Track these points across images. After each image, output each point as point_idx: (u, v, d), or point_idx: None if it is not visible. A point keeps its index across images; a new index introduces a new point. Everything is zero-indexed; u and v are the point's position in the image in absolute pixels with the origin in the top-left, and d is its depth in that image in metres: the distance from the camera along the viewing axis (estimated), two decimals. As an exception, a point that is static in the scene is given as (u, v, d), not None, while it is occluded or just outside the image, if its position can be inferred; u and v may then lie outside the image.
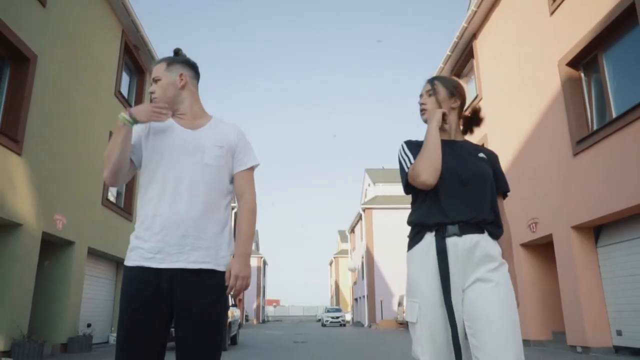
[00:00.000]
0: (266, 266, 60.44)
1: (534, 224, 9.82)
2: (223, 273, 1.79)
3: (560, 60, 8.85)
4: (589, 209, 7.99)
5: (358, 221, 35.92)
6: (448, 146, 1.91)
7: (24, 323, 7.91)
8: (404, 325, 23.61)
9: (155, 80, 1.92)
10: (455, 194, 1.82)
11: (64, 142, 9.38)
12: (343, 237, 56.46)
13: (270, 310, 75.91)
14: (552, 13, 9.09)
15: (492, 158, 1.99)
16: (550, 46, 9.23)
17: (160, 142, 1.86)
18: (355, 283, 39.00)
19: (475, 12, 12.09)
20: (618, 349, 7.83)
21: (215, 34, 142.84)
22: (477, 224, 1.80)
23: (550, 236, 9.32)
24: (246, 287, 1.80)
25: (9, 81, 7.96)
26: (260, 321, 53.14)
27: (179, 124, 1.91)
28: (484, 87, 12.45)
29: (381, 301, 29.76)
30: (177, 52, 2.02)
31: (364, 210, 31.92)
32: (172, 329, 1.78)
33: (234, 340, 11.84)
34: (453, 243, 1.78)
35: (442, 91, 1.99)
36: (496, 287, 1.71)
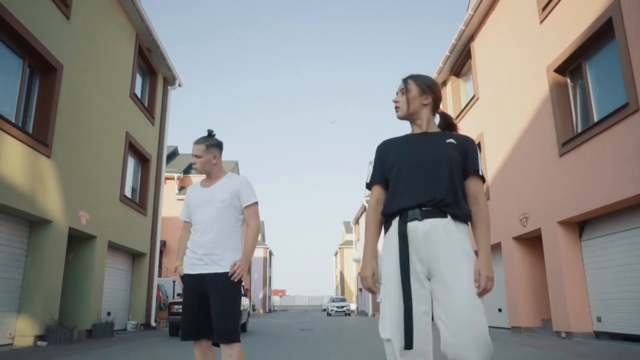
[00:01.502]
0: (272, 257, 61.34)
1: (524, 219, 10.47)
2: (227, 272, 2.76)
3: (548, 66, 9.44)
4: (574, 206, 8.63)
5: (362, 212, 36.59)
6: (417, 138, 2.03)
7: (55, 310, 8.68)
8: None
9: (197, 156, 2.88)
10: (413, 178, 1.91)
11: (86, 144, 10.09)
12: (348, 228, 57.19)
13: (276, 300, 76.94)
14: (542, 21, 9.67)
15: (463, 142, 2.00)
16: (540, 52, 9.82)
17: (194, 202, 2.94)
18: (359, 273, 39.74)
19: (473, 15, 12.65)
20: (598, 334, 8.51)
21: (219, 26, 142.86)
22: (436, 206, 1.84)
23: (539, 230, 9.97)
24: (242, 274, 2.71)
25: (39, 90, 8.67)
26: (267, 311, 54.11)
27: (202, 185, 2.97)
28: (481, 87, 13.04)
29: (385, 291, 30.50)
30: (210, 133, 2.95)
31: (367, 202, 32.57)
32: None
33: (243, 328, 12.57)
34: (413, 227, 1.85)
35: (413, 89, 2.06)
36: (451, 292, 1.76)
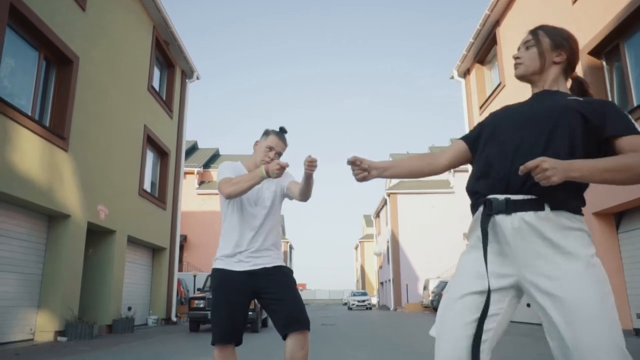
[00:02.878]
0: (292, 250, 61.37)
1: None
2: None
3: (582, 48, 8.94)
4: (610, 196, 8.15)
5: (383, 206, 36.19)
6: (532, 98, 1.68)
7: (75, 306, 8.60)
8: (430, 308, 23.97)
9: (279, 154, 2.68)
10: (506, 143, 1.52)
11: (103, 137, 9.97)
12: (368, 221, 56.81)
13: (297, 294, 77.09)
14: (575, 1, 9.16)
15: (592, 103, 1.51)
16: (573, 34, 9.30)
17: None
18: (380, 267, 39.44)
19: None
20: (639, 332, 8.05)
21: (237, 17, 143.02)
22: (528, 189, 1.42)
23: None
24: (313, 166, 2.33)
25: (55, 83, 8.54)
26: (288, 304, 54.11)
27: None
28: (507, 74, 12.53)
29: (407, 285, 30.12)
30: (283, 129, 2.75)
31: (388, 195, 32.16)
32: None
33: (264, 323, 12.41)
34: (498, 223, 1.45)
35: (545, 42, 1.64)
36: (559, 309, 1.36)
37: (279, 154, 2.67)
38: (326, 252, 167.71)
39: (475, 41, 13.83)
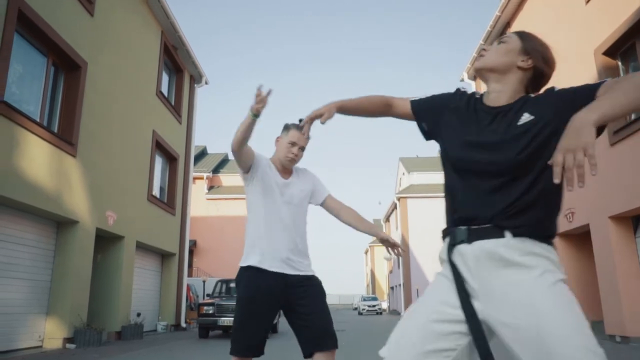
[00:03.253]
0: (302, 255, 61.13)
1: (570, 214, 9.79)
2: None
3: (596, 49, 8.76)
4: (627, 199, 7.95)
5: (393, 210, 35.96)
6: (486, 116, 1.46)
7: (83, 312, 8.54)
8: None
9: (302, 148, 2.56)
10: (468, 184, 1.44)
11: (111, 142, 9.94)
12: (378, 226, 56.49)
13: (306, 298, 76.93)
14: (588, 2, 8.98)
15: (549, 103, 1.37)
16: (586, 35, 9.13)
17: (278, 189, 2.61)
18: (391, 272, 39.16)
19: (509, 0, 11.97)
20: (658, 339, 7.82)
21: (242, 20, 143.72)
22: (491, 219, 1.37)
23: (587, 226, 9.29)
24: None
25: (63, 88, 8.53)
26: (297, 309, 53.98)
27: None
28: (519, 75, 12.35)
29: (417, 290, 29.84)
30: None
31: (398, 199, 31.94)
32: None
33: (274, 329, 12.29)
34: (462, 252, 1.41)
35: (513, 43, 1.50)
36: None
37: (302, 148, 2.55)
38: (336, 257, 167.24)
39: (485, 43, 13.66)
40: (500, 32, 13.21)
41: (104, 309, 9.94)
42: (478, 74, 1.54)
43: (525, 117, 1.37)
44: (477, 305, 1.34)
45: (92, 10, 9.03)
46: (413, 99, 1.67)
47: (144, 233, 11.48)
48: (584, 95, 1.32)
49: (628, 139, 7.93)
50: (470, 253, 1.35)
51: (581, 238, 10.15)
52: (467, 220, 1.40)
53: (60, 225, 8.49)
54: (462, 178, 1.45)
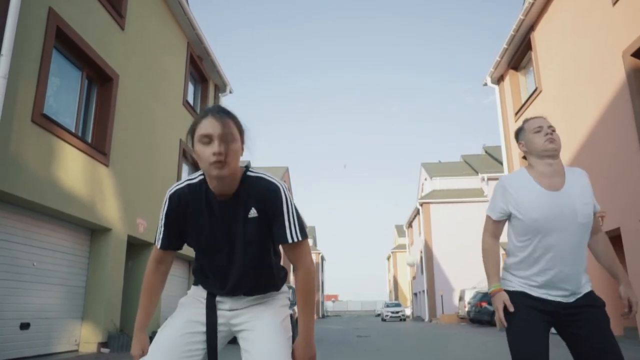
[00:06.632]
0: (324, 262, 61.23)
1: (601, 217, 9.64)
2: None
3: (624, 50, 8.67)
4: (659, 202, 7.82)
5: (415, 216, 35.77)
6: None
7: (116, 318, 8.77)
8: (466, 319, 23.44)
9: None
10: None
11: (141, 151, 10.21)
12: (400, 232, 56.22)
13: (329, 305, 76.81)
14: (615, 3, 8.90)
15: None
16: (613, 37, 9.04)
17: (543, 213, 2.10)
18: (414, 278, 38.88)
19: (533, 3, 11.92)
20: (694, 345, 7.64)
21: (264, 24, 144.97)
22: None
23: (618, 230, 9.16)
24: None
25: (97, 100, 8.82)
26: (320, 316, 53.99)
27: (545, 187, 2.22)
28: (544, 79, 12.26)
29: (441, 296, 29.58)
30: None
31: (421, 204, 31.78)
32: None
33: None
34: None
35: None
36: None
37: (551, 127, 2.10)
38: (358, 263, 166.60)
39: (509, 47, 13.60)
40: (523, 36, 13.14)
41: (135, 315, 10.13)
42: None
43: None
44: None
45: (123, 24, 9.33)
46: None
47: (172, 240, 11.68)
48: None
49: (659, 142, 7.81)
50: None
51: (612, 242, 9.97)
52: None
53: (94, 232, 8.76)
54: None
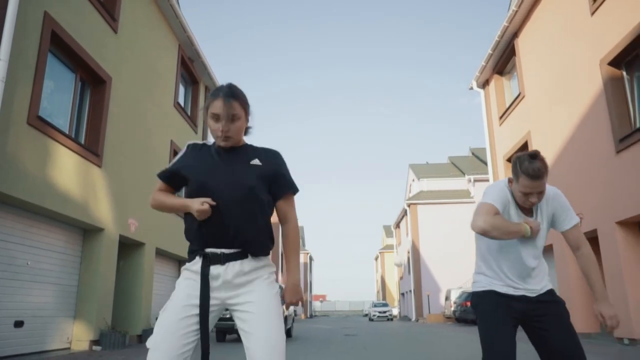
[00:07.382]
0: (312, 262, 61.44)
1: (579, 220, 10.01)
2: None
3: (601, 59, 9.03)
4: (634, 205, 8.18)
5: (403, 216, 36.15)
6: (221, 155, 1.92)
7: (108, 316, 8.92)
8: (452, 319, 23.83)
9: (541, 193, 2.11)
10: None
11: (133, 152, 10.36)
12: (388, 232, 56.66)
13: (317, 305, 76.99)
14: (593, 13, 9.26)
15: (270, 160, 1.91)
16: (591, 46, 9.40)
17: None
18: (401, 278, 39.27)
19: (516, 11, 12.28)
20: (665, 341, 8.01)
21: (250, 26, 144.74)
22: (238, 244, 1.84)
23: (594, 231, 9.52)
24: None
25: (90, 102, 8.96)
26: (308, 316, 54.16)
27: None
28: (527, 84, 12.62)
29: (428, 296, 29.96)
30: (534, 155, 2.12)
31: (408, 205, 32.15)
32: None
33: (288, 334, 12.58)
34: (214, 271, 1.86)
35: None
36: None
37: (541, 193, 2.09)
38: (346, 264, 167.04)
39: (493, 52, 13.96)
40: (508, 42, 13.50)
41: (127, 313, 10.31)
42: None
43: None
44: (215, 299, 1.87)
45: (116, 27, 9.48)
46: None
47: (162, 240, 11.87)
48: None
49: (633, 147, 8.17)
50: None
51: (589, 243, 10.36)
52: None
53: (87, 232, 8.90)
54: None
